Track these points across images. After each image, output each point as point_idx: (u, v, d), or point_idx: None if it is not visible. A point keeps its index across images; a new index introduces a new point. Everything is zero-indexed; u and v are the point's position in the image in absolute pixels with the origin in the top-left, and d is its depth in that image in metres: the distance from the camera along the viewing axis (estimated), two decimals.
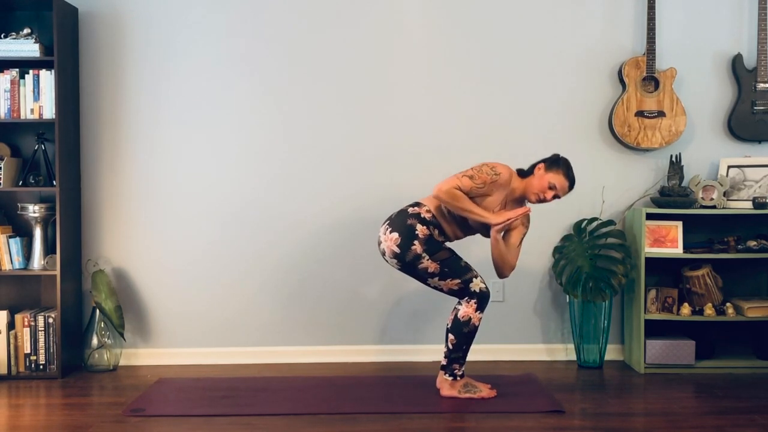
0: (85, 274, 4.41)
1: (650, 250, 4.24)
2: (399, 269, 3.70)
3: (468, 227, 3.74)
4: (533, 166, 3.76)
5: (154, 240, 4.45)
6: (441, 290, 3.72)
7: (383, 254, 3.71)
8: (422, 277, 3.67)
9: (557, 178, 3.67)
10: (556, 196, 3.68)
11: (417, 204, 3.73)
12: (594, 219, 4.38)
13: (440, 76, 4.47)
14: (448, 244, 3.77)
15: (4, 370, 4.15)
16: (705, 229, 4.43)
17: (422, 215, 3.67)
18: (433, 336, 4.46)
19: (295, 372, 4.26)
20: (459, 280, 3.66)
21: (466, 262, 3.69)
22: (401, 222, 3.66)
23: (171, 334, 4.47)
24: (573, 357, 4.48)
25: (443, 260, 3.64)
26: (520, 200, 3.78)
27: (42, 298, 4.38)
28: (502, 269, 3.74)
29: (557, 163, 3.70)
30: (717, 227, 4.44)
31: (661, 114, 4.39)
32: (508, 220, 3.58)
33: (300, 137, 4.46)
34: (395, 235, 3.64)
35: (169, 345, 4.47)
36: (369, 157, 4.47)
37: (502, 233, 3.67)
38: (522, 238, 3.78)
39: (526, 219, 3.78)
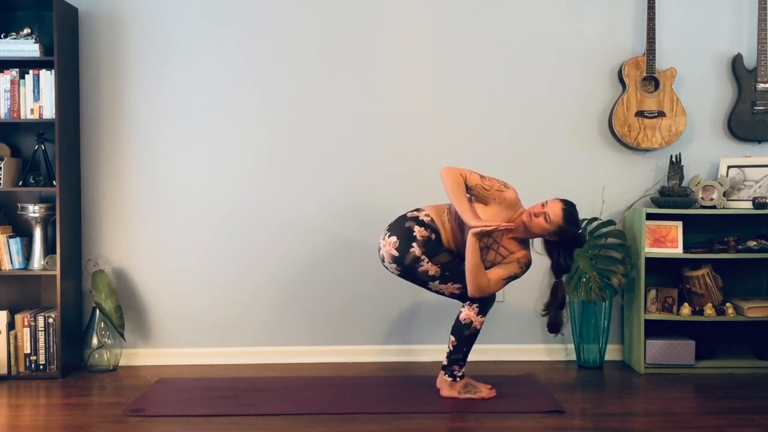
0: (85, 274, 4.41)
1: (650, 250, 4.24)
2: (399, 275, 3.68)
3: (464, 243, 3.63)
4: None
5: (154, 240, 4.45)
6: (442, 294, 3.71)
7: (382, 260, 3.69)
8: (423, 281, 3.66)
9: (552, 201, 3.58)
10: (545, 216, 3.52)
11: (416, 209, 3.73)
12: (594, 219, 4.37)
13: (438, 76, 4.47)
14: None
15: (4, 370, 4.15)
16: (705, 229, 4.43)
17: (420, 218, 3.66)
18: (433, 336, 4.46)
19: (295, 372, 4.26)
20: (460, 285, 3.64)
21: None
22: (399, 226, 3.65)
23: (171, 334, 4.47)
24: (573, 357, 4.47)
25: (444, 264, 3.63)
26: (521, 235, 3.65)
27: (42, 298, 4.38)
28: (471, 284, 3.56)
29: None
30: (717, 227, 4.44)
31: (661, 114, 4.39)
32: (486, 226, 3.49)
33: (301, 137, 4.46)
34: (393, 238, 3.62)
35: (169, 345, 4.47)
36: (368, 156, 4.47)
37: (480, 244, 3.56)
38: (509, 277, 3.63)
39: (524, 264, 3.65)
